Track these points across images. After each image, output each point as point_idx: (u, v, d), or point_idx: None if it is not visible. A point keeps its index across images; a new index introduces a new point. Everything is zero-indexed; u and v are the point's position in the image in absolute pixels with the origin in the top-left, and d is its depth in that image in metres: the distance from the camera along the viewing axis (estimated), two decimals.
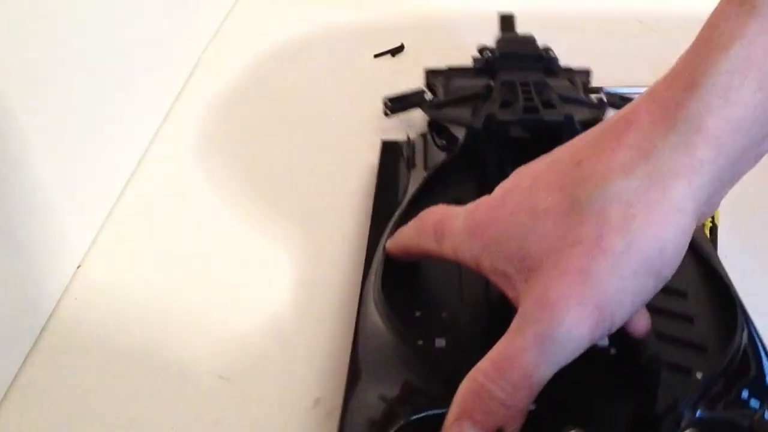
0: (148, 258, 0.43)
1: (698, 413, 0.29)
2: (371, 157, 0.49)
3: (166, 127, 0.53)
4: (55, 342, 0.38)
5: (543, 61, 0.51)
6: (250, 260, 0.43)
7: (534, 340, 0.26)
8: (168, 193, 0.48)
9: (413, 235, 0.35)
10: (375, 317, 0.34)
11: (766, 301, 0.42)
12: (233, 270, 0.43)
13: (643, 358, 0.29)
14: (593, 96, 0.53)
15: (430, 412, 0.30)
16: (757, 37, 0.26)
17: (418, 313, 0.35)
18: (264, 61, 0.61)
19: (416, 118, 0.53)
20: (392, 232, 0.38)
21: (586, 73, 0.56)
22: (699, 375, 0.31)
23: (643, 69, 0.61)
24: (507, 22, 0.58)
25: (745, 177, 0.47)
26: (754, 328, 0.34)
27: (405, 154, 0.48)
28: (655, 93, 0.28)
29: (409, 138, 0.49)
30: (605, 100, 0.51)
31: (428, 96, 0.53)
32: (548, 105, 0.45)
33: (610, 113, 0.51)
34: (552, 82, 0.50)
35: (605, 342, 0.32)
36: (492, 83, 0.50)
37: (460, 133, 0.46)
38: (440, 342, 0.33)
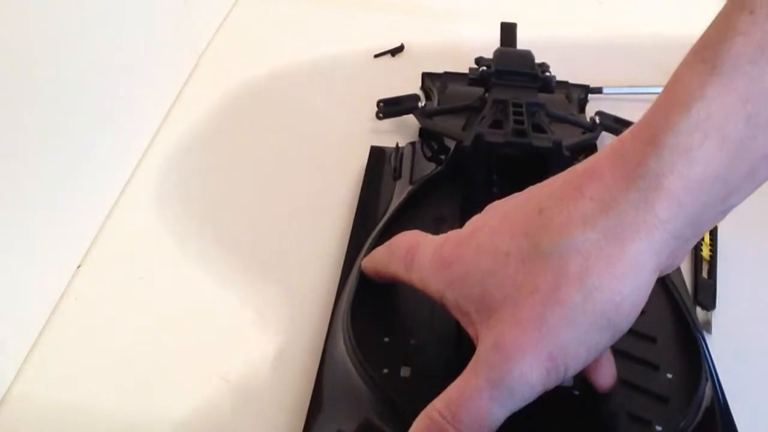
0: (148, 258, 0.43)
1: None
2: (365, 159, 0.49)
3: (165, 128, 0.53)
4: (55, 342, 0.38)
5: (538, 80, 0.51)
6: (249, 260, 0.43)
7: (487, 383, 0.27)
8: (166, 194, 0.48)
9: (385, 258, 0.35)
10: (341, 344, 0.34)
11: (765, 301, 0.42)
12: (233, 270, 0.43)
13: (603, 407, 0.29)
14: (588, 113, 0.53)
15: None
16: (717, 98, 0.26)
17: (387, 339, 0.34)
18: (263, 62, 0.61)
19: (411, 120, 0.53)
20: (370, 250, 0.38)
21: (582, 88, 0.56)
22: (658, 428, 0.31)
23: (644, 69, 0.62)
24: (508, 30, 0.58)
25: None
26: (719, 385, 0.34)
27: (392, 163, 0.48)
28: (620, 146, 0.28)
29: (398, 145, 0.49)
30: (598, 121, 0.51)
31: (422, 102, 0.53)
32: (538, 129, 0.45)
33: (605, 137, 0.51)
34: (546, 98, 0.50)
35: (570, 382, 0.32)
36: (486, 95, 0.50)
37: (451, 143, 0.47)
38: (405, 371, 0.33)
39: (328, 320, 0.37)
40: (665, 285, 0.38)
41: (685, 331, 0.36)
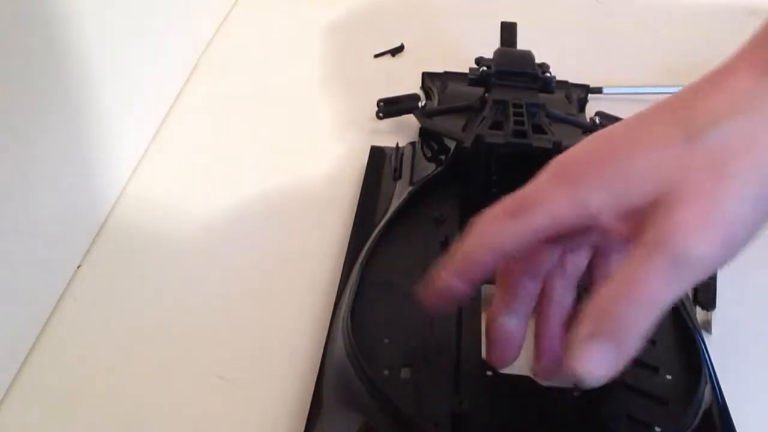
0: (148, 258, 0.43)
1: None
2: (365, 159, 0.49)
3: (165, 127, 0.53)
4: (55, 342, 0.38)
5: (538, 81, 0.50)
6: (249, 260, 0.43)
7: (664, 264, 0.26)
8: (166, 192, 0.48)
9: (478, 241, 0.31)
10: (341, 345, 0.34)
11: (765, 301, 0.42)
12: (232, 268, 0.43)
13: (603, 409, 0.30)
14: (588, 113, 0.53)
15: None
16: None
17: (386, 341, 0.35)
18: (264, 61, 0.61)
19: (411, 121, 0.53)
20: (370, 250, 0.38)
21: (582, 88, 0.56)
22: (658, 430, 0.31)
23: (644, 69, 0.62)
24: (508, 30, 0.58)
25: None
26: (719, 386, 0.34)
27: (392, 163, 0.48)
28: (751, 51, 0.29)
29: (398, 146, 0.49)
30: (598, 121, 0.51)
31: (422, 101, 0.53)
32: (539, 129, 0.45)
33: None
34: (546, 98, 0.50)
35: (570, 384, 0.33)
36: (486, 95, 0.50)
37: (451, 142, 0.47)
38: (405, 372, 0.33)
39: (329, 321, 0.37)
40: None
41: (684, 333, 0.36)
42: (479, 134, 0.43)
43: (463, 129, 0.49)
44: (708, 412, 0.32)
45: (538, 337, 0.33)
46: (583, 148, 0.30)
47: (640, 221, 0.28)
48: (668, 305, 0.27)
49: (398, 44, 0.63)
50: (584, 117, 0.53)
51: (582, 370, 0.26)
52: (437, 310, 0.31)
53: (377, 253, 0.39)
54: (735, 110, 0.28)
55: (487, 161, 0.43)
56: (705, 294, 0.41)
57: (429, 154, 0.48)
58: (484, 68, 0.52)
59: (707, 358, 0.35)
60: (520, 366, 0.34)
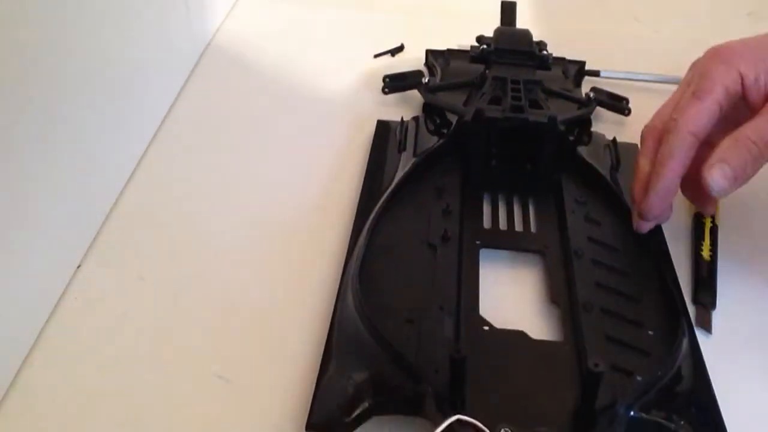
0: (148, 258, 0.43)
1: (632, 413, 0.32)
2: (363, 159, 0.50)
3: (166, 126, 0.53)
4: (55, 342, 0.38)
5: (536, 58, 0.53)
6: (249, 257, 0.43)
7: None
8: (167, 192, 0.48)
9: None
10: (350, 302, 0.36)
11: (764, 300, 0.42)
12: (231, 267, 0.43)
13: (589, 359, 0.31)
14: (583, 90, 0.55)
15: (393, 396, 0.33)
16: None
17: (391, 298, 0.38)
18: (263, 61, 0.61)
19: (415, 96, 0.55)
20: (376, 217, 0.41)
21: (579, 64, 0.57)
22: (638, 378, 0.34)
23: (640, 55, 0.62)
24: (508, 9, 0.59)
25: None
26: (695, 339, 0.37)
27: (397, 136, 0.50)
28: None
29: (402, 120, 0.51)
30: (593, 96, 0.53)
31: (426, 78, 0.55)
32: (535, 104, 0.47)
33: (599, 111, 0.53)
34: (543, 74, 0.52)
35: (560, 338, 0.37)
36: (487, 72, 0.52)
37: (453, 117, 0.49)
38: (409, 326, 0.36)
39: (338, 282, 0.39)
40: (649, 252, 0.41)
41: (666, 293, 0.39)
42: (479, 109, 0.45)
43: (465, 104, 0.51)
44: (685, 364, 0.35)
45: (656, 181, 0.40)
46: (733, 42, 0.40)
47: None
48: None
49: (398, 44, 0.63)
50: (580, 92, 0.54)
51: (712, 181, 0.37)
52: (661, 215, 0.41)
53: (383, 220, 0.42)
54: None
55: (487, 134, 0.46)
56: (705, 294, 0.41)
57: (431, 128, 0.50)
58: (484, 46, 0.54)
59: (686, 317, 0.38)
60: (514, 322, 0.38)
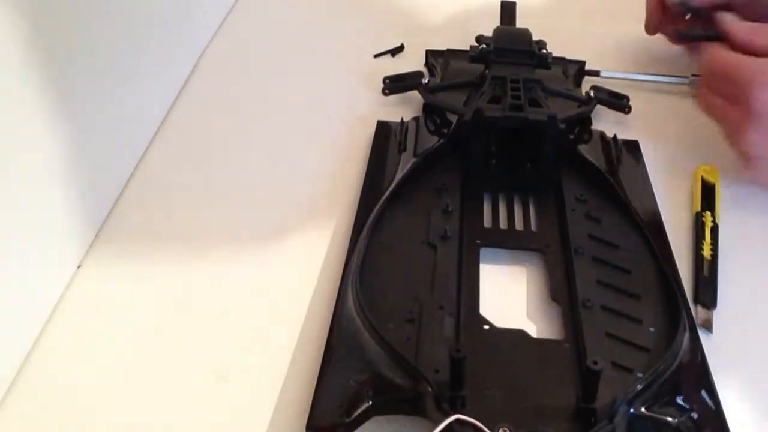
0: (148, 258, 0.43)
1: (633, 411, 0.32)
2: (363, 159, 0.50)
3: (165, 127, 0.53)
4: (55, 342, 0.38)
5: (535, 57, 0.52)
6: (249, 257, 0.43)
7: None
8: (166, 193, 0.48)
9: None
10: (350, 302, 0.36)
11: (764, 299, 0.42)
12: (231, 267, 0.43)
13: (590, 357, 0.31)
14: (584, 89, 0.54)
15: (393, 396, 0.33)
16: None
17: (391, 298, 0.38)
18: (263, 61, 0.61)
19: (415, 97, 0.55)
20: (377, 216, 0.41)
21: (579, 63, 0.57)
22: (639, 375, 0.34)
23: (640, 55, 0.62)
24: (507, 8, 0.59)
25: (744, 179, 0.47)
26: (696, 335, 0.37)
27: (397, 137, 0.50)
28: None
29: (403, 120, 0.51)
30: (593, 95, 0.53)
31: (426, 78, 0.55)
32: (535, 103, 0.47)
33: (599, 109, 0.53)
34: (543, 74, 0.52)
35: (561, 337, 0.37)
36: (486, 71, 0.52)
37: (453, 117, 0.49)
38: (409, 326, 0.36)
39: (338, 281, 0.39)
40: (650, 249, 0.41)
41: (666, 290, 0.39)
42: (478, 108, 0.45)
43: (465, 104, 0.51)
44: (686, 360, 0.35)
45: None
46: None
47: None
48: None
49: (398, 44, 0.63)
50: (580, 91, 0.54)
51: None
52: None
53: (383, 220, 0.42)
54: None
55: (486, 133, 0.46)
56: (706, 293, 0.41)
57: (432, 128, 0.50)
58: (484, 46, 0.54)
59: (687, 313, 0.38)
60: (514, 321, 0.38)
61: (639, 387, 0.32)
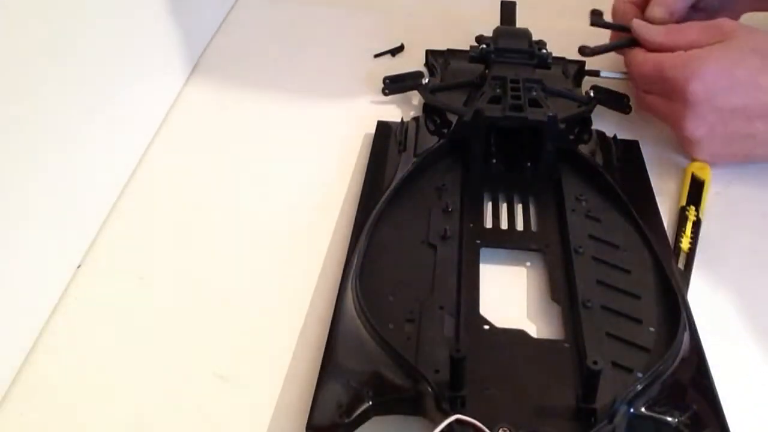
0: (148, 258, 0.43)
1: (633, 410, 0.32)
2: (363, 159, 0.50)
3: (166, 126, 0.53)
4: (55, 342, 0.38)
5: (535, 57, 0.53)
6: (249, 257, 0.43)
7: None
8: (167, 192, 0.48)
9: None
10: (350, 302, 0.36)
11: (749, 296, 0.42)
12: (231, 267, 0.43)
13: (590, 357, 0.31)
14: (584, 89, 0.54)
15: (393, 396, 0.33)
16: None
17: (391, 299, 0.38)
18: (263, 61, 0.61)
19: (416, 96, 0.55)
20: (377, 217, 0.41)
21: (579, 63, 0.57)
22: (639, 375, 0.34)
23: None
24: (508, 8, 0.59)
25: (732, 176, 0.47)
26: (697, 335, 0.37)
27: (397, 137, 0.50)
28: None
29: (403, 120, 0.51)
30: (593, 95, 0.53)
31: (426, 78, 0.55)
32: (535, 103, 0.47)
33: (599, 109, 0.53)
34: (543, 74, 0.52)
35: (561, 337, 0.38)
36: (486, 71, 0.52)
37: (453, 117, 0.50)
38: (409, 326, 0.36)
39: (338, 282, 0.39)
40: (650, 249, 0.41)
41: (666, 290, 0.39)
42: (478, 108, 0.46)
43: (465, 104, 0.51)
44: (686, 360, 0.35)
45: None
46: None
47: None
48: None
49: (398, 44, 0.63)
50: (580, 91, 0.54)
51: None
52: None
53: (383, 219, 0.42)
54: None
55: (486, 133, 0.46)
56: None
57: (432, 128, 0.50)
58: (484, 46, 0.54)
59: (687, 312, 0.38)
60: (514, 321, 0.38)
61: (639, 387, 0.33)
